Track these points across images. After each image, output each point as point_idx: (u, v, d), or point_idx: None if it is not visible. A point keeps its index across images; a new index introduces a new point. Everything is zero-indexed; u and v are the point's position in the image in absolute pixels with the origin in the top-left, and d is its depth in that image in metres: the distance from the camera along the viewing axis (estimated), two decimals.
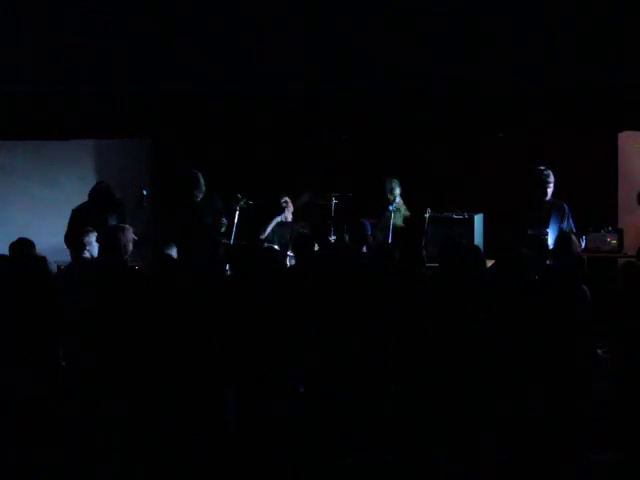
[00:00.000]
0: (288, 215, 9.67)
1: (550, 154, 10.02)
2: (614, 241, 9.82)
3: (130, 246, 7.09)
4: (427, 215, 9.32)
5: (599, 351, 6.50)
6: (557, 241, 7.35)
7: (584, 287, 6.43)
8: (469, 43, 8.71)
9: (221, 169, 9.81)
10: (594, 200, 10.21)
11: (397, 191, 9.62)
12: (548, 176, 8.73)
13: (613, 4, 8.50)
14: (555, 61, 8.63)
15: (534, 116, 9.03)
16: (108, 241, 6.91)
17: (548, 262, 7.39)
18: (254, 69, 8.85)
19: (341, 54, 8.82)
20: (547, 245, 8.37)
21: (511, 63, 8.71)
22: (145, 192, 9.29)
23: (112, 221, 8.50)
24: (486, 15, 8.68)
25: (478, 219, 9.75)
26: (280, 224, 9.57)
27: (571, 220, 8.84)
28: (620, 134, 10.38)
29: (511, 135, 10.02)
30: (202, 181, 9.17)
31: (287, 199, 9.70)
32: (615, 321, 6.36)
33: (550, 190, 8.75)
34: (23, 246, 7.03)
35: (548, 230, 8.67)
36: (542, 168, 8.76)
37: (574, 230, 8.64)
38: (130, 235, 7.04)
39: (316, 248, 8.01)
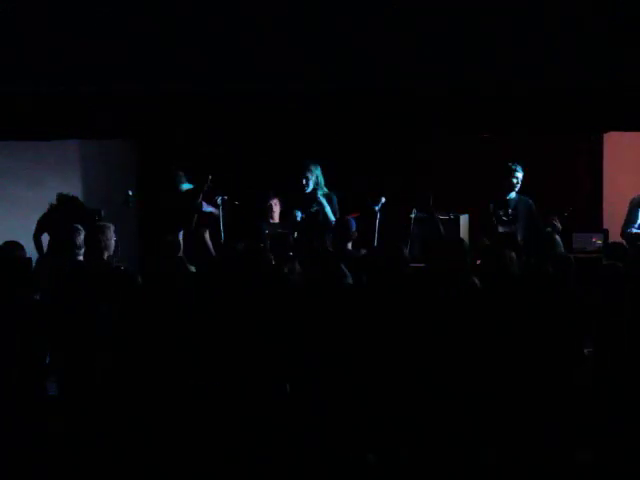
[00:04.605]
0: (275, 216, 9.64)
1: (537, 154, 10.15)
2: (600, 241, 9.88)
3: (112, 245, 7.02)
4: (412, 215, 9.39)
5: (585, 351, 6.54)
6: (540, 240, 7.39)
7: (574, 289, 6.46)
8: (469, 43, 8.73)
9: (217, 169, 9.74)
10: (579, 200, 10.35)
11: None
12: (516, 170, 8.90)
13: (613, 4, 8.56)
14: (555, 61, 8.68)
15: (534, 116, 9.07)
16: (87, 243, 6.86)
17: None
18: (254, 69, 8.81)
19: (341, 54, 8.80)
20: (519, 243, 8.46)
21: (511, 63, 8.74)
22: (131, 192, 9.27)
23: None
24: (486, 15, 8.70)
25: (464, 219, 9.80)
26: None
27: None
28: (605, 135, 10.49)
29: (497, 135, 10.08)
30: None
31: (276, 200, 9.65)
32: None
33: (516, 185, 8.99)
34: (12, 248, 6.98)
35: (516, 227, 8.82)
36: (510, 163, 9.03)
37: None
38: (110, 234, 6.98)
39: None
